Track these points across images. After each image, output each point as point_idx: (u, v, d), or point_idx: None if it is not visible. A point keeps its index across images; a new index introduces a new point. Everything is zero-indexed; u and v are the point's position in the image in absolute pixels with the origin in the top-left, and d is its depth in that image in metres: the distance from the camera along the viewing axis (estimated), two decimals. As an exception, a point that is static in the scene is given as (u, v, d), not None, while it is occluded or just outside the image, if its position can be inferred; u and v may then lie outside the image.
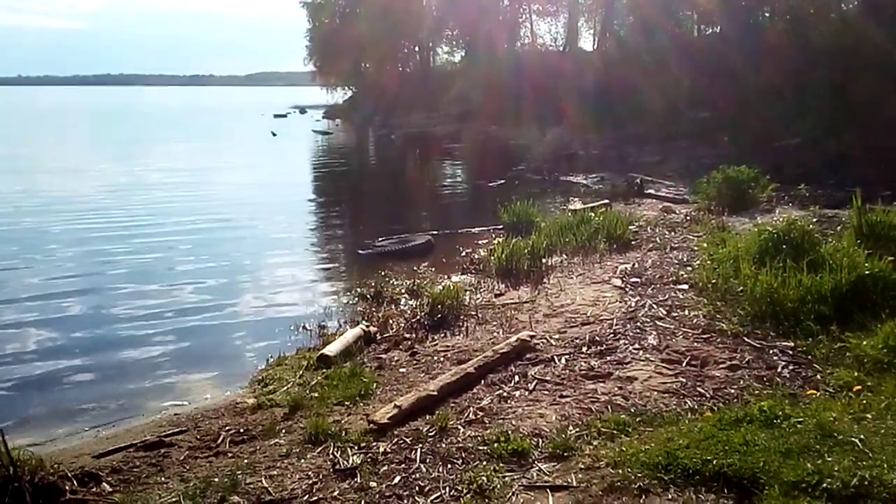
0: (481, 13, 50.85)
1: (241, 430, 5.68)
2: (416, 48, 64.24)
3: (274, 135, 47.62)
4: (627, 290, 8.78)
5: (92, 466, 5.15)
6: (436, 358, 7.11)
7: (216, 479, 4.70)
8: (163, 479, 4.95)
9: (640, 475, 4.23)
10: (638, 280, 9.16)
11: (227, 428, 5.77)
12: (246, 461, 5.02)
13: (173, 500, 4.53)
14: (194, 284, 11.27)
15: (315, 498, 4.40)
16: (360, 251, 13.20)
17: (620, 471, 4.31)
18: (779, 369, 5.97)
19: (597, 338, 7.02)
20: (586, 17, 48.41)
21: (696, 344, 6.66)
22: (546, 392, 5.85)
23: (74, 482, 4.77)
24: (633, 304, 8.07)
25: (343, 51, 59.97)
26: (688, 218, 13.74)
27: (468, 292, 9.44)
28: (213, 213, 17.99)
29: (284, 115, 72.80)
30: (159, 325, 9.31)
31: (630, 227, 12.43)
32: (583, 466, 4.48)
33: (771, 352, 6.33)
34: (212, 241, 14.54)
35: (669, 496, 4.07)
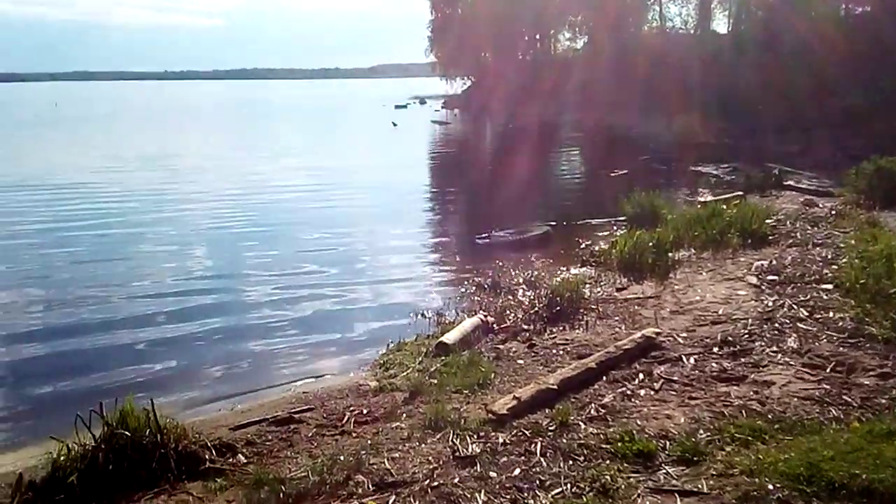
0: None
1: (365, 412, 5.83)
2: (537, 36, 63.56)
3: (395, 125, 48.57)
4: (764, 288, 8.32)
5: (229, 438, 5.43)
6: (554, 351, 7.00)
7: (342, 458, 4.81)
8: (292, 453, 5.17)
9: (778, 486, 3.98)
10: (776, 278, 8.65)
11: (352, 408, 5.93)
12: (369, 442, 5.12)
13: (302, 474, 4.67)
14: (319, 272, 11.65)
15: (436, 483, 4.41)
16: (478, 241, 13.18)
17: (757, 480, 4.06)
18: (937, 379, 5.49)
19: (729, 338, 6.69)
20: (721, -3, 46.03)
21: (841, 349, 6.23)
22: (673, 392, 5.62)
23: (213, 452, 5.08)
24: (770, 304, 7.64)
25: (463, 41, 60.22)
26: (833, 212, 12.90)
27: (588, 285, 9.24)
28: (337, 203, 18.56)
29: (405, 106, 74.18)
30: (288, 310, 9.70)
31: (767, 221, 11.78)
32: (714, 473, 4.26)
33: (928, 360, 5.83)
34: (335, 231, 14.97)
35: (812, 511, 3.80)
